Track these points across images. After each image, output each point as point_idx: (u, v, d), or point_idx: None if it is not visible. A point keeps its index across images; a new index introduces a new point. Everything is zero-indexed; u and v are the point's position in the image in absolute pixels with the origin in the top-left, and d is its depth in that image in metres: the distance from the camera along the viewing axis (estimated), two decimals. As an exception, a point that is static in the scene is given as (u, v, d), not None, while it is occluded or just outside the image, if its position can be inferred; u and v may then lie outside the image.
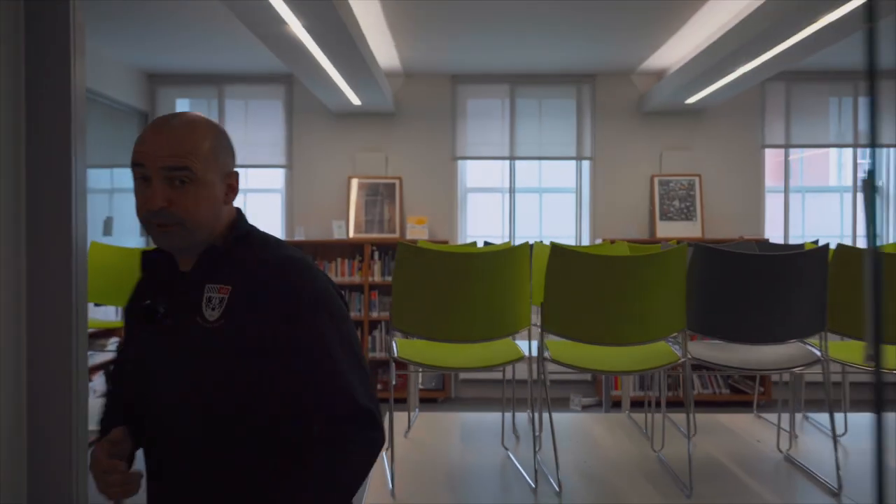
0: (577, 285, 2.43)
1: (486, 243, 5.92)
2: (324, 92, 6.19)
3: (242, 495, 1.26)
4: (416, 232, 6.92)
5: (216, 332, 1.26)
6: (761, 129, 7.01)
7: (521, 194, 7.25)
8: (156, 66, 6.86)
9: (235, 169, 1.44)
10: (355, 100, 6.41)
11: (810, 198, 7.21)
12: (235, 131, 7.15)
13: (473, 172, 7.31)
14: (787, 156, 7.07)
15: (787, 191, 7.05)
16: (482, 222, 7.32)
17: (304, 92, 7.00)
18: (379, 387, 6.90)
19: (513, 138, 7.10)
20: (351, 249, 7.00)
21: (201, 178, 1.30)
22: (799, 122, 6.98)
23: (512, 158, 7.14)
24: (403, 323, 2.45)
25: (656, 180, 7.00)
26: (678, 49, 6.26)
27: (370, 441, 1.27)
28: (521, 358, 2.56)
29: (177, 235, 1.29)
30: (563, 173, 7.32)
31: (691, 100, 6.49)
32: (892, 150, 6.98)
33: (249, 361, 1.24)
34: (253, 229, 1.42)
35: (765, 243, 5.15)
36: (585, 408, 6.37)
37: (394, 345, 2.63)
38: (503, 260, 2.44)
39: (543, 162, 7.32)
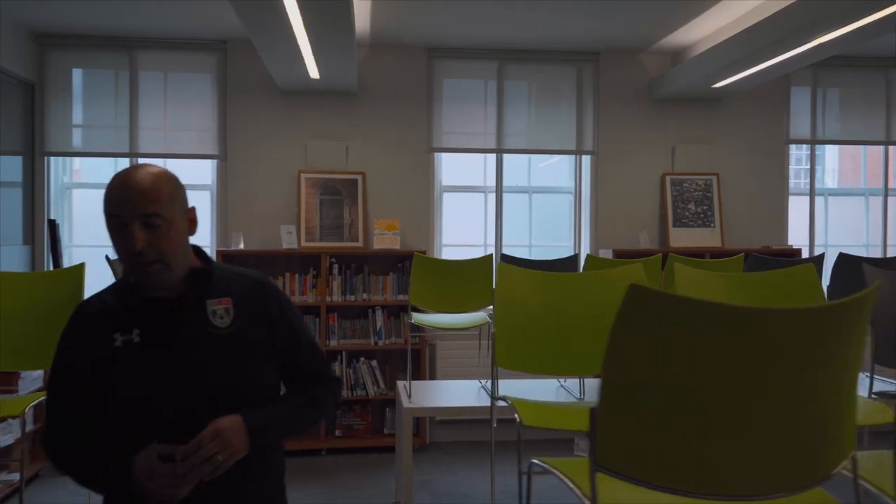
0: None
1: (507, 257, 4.70)
2: (277, 59, 4.78)
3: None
4: (387, 240, 5.59)
5: (231, 334, 1.58)
6: (786, 121, 6.07)
7: (508, 194, 6.04)
8: (45, 22, 5.25)
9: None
10: (314, 71, 5.02)
11: (832, 201, 6.33)
12: (152, 111, 5.61)
13: (451, 167, 6.05)
14: (812, 152, 6.15)
15: (812, 193, 6.14)
16: (461, 228, 6.08)
17: (242, 62, 5.56)
18: (337, 433, 5.54)
19: (500, 127, 5.87)
20: (303, 262, 5.60)
21: (170, 219, 1.54)
22: (827, 116, 6.08)
23: (499, 151, 5.91)
24: (614, 456, 1.13)
25: (668, 179, 5.94)
26: (700, 28, 5.20)
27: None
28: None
29: (157, 273, 1.54)
30: (559, 170, 6.16)
31: (719, 84, 5.45)
32: (922, 148, 6.18)
33: (263, 347, 1.62)
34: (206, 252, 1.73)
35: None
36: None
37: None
38: (830, 322, 1.18)
39: (535, 157, 6.13)
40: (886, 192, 6.25)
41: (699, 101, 5.96)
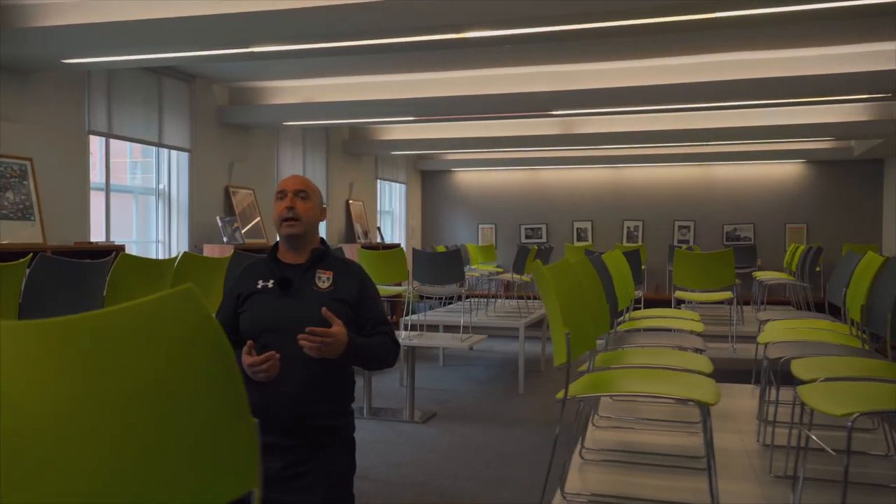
0: None
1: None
2: None
3: (334, 378, 2.27)
4: None
5: (327, 293, 2.25)
6: (87, 112, 5.74)
7: None
8: None
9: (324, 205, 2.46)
10: None
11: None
12: None
13: None
14: (107, 147, 6.01)
15: (108, 187, 5.99)
16: None
17: None
18: None
19: None
20: None
21: (313, 199, 2.36)
22: (119, 112, 6.05)
23: None
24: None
25: (-18, 161, 4.85)
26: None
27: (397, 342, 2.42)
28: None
29: (296, 227, 2.29)
30: None
31: (71, 60, 4.87)
32: (175, 152, 6.81)
33: (347, 306, 2.24)
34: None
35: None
36: None
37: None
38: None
39: None
40: (158, 192, 6.66)
41: (12, 73, 5.08)
